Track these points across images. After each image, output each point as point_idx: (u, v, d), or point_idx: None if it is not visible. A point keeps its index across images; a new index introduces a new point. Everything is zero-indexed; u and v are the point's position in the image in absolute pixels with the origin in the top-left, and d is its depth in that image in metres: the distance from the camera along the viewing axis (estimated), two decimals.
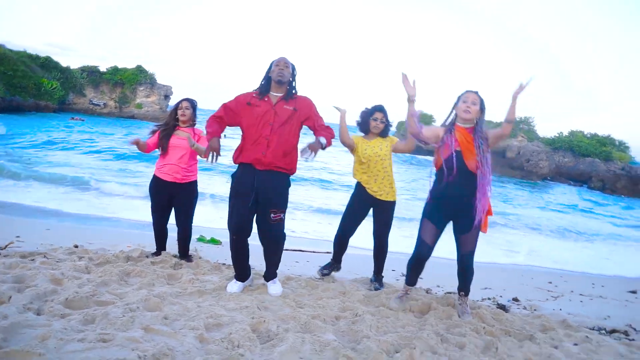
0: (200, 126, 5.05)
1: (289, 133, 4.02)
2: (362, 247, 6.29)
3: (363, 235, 5.19)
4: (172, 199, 5.04)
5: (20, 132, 25.28)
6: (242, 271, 4.23)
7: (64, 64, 47.70)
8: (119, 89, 49.14)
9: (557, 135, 36.15)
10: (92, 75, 49.22)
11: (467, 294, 4.15)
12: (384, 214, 4.86)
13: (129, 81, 48.56)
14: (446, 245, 4.37)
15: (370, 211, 4.91)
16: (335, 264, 5.09)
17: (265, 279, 4.33)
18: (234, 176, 4.11)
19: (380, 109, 4.84)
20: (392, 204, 4.87)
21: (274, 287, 4.23)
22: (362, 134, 4.95)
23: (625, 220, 19.31)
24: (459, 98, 3.91)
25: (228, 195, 4.13)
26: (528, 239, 11.74)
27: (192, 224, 5.18)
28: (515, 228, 13.02)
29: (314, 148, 3.93)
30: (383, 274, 5.04)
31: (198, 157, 5.03)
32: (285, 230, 4.22)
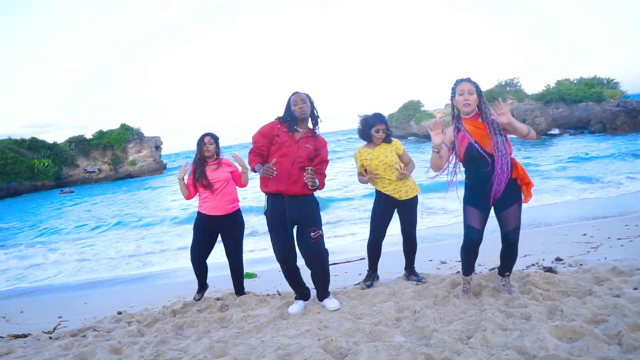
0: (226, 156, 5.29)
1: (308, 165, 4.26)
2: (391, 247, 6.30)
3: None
4: (219, 233, 5.12)
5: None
6: (301, 291, 4.49)
7: (49, 140, 47.93)
8: (109, 152, 49.27)
9: (545, 88, 36.14)
10: (80, 144, 49.36)
11: (510, 274, 4.12)
12: (408, 211, 4.92)
13: (117, 142, 48.69)
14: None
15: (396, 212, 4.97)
16: (373, 273, 5.13)
17: (320, 299, 4.45)
18: (266, 212, 4.35)
19: (381, 120, 4.84)
20: (414, 201, 4.93)
21: (331, 303, 4.34)
22: (365, 142, 4.98)
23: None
24: (453, 90, 3.87)
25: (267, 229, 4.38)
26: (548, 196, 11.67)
27: (242, 257, 5.26)
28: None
29: (310, 179, 4.15)
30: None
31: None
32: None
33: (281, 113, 4.42)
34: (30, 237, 16.37)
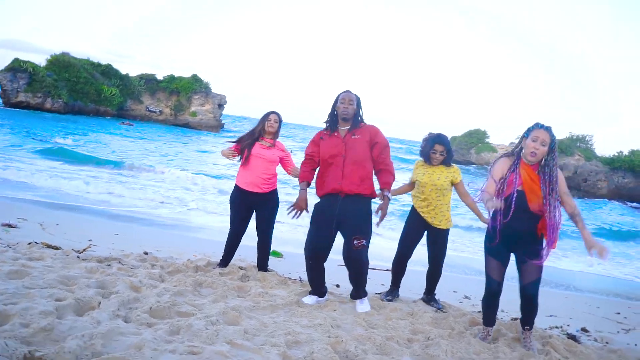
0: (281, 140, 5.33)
1: (363, 160, 4.22)
2: (416, 266, 6.26)
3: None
4: (254, 208, 5.18)
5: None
6: (317, 289, 4.44)
7: (122, 71, 49.46)
8: (174, 97, 50.50)
9: (617, 154, 34.87)
10: (149, 83, 50.80)
11: (531, 328, 4.02)
12: (439, 240, 4.89)
13: (184, 90, 49.83)
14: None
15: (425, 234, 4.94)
16: (395, 289, 5.10)
17: (353, 298, 4.49)
18: (316, 205, 4.34)
19: (440, 140, 4.79)
20: (446, 232, 4.89)
21: (362, 305, 4.37)
22: (423, 160, 4.95)
23: None
24: (529, 131, 3.67)
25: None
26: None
27: (272, 235, 5.31)
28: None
29: (383, 211, 4.16)
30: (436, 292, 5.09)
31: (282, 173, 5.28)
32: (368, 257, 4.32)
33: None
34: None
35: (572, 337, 4.65)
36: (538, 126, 3.66)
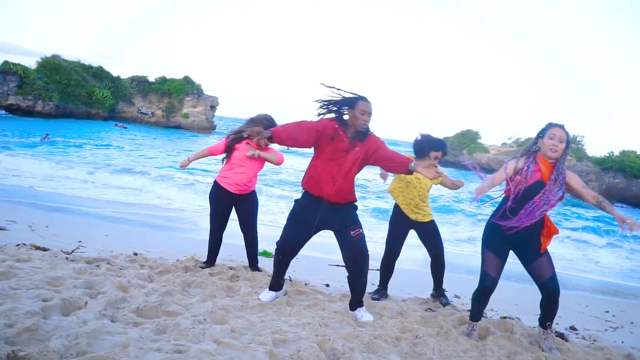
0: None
1: (353, 173, 4.05)
2: (406, 265, 6.29)
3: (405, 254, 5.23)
4: (233, 204, 5.17)
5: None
6: (278, 283, 4.39)
7: (114, 73, 49.32)
8: (166, 99, 50.41)
9: (608, 154, 35.10)
10: (141, 85, 50.69)
11: (551, 327, 4.01)
12: (429, 233, 4.94)
13: (176, 91, 49.74)
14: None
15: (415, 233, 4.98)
16: (383, 289, 5.12)
17: (352, 308, 4.24)
18: (298, 202, 4.21)
19: (442, 147, 4.73)
20: (430, 223, 4.94)
21: (365, 315, 4.16)
22: (414, 156, 4.88)
23: None
24: (543, 132, 3.74)
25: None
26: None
27: (256, 231, 5.30)
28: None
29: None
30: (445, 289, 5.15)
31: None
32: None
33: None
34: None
35: (560, 335, 4.67)
36: (552, 125, 3.75)
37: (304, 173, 4.23)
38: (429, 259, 5.09)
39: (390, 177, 4.94)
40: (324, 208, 4.04)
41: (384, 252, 5.03)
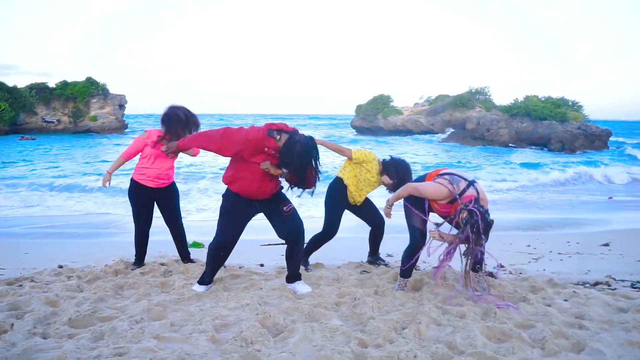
0: None
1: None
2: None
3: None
4: (154, 200, 5.06)
5: None
6: (211, 278, 4.34)
7: (9, 83, 46.15)
8: (71, 104, 47.76)
9: (513, 101, 36.84)
10: (41, 92, 47.68)
11: (481, 268, 4.21)
12: (367, 206, 5.13)
13: (80, 94, 47.20)
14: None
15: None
16: (306, 259, 5.17)
17: (289, 281, 4.31)
18: (227, 197, 4.17)
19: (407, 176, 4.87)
20: (366, 199, 5.14)
21: (303, 287, 4.23)
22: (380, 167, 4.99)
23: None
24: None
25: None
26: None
27: (182, 221, 5.22)
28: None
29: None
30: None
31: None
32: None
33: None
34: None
35: (490, 274, 4.94)
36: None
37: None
38: (358, 226, 5.24)
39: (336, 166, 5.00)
40: (258, 203, 4.14)
41: (322, 232, 5.05)
